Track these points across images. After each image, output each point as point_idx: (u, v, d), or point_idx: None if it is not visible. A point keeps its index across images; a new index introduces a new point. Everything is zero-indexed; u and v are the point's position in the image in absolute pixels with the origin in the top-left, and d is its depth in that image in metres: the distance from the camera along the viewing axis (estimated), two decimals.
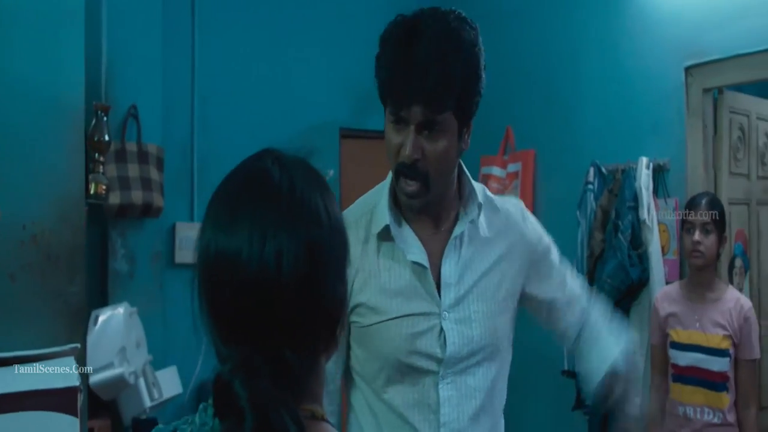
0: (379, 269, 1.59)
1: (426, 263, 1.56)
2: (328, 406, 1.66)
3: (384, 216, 1.58)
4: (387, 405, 1.60)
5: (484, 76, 1.52)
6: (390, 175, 1.60)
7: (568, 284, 1.78)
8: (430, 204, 1.57)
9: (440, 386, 1.57)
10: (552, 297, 1.75)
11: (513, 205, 1.73)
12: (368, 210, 1.64)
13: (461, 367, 1.58)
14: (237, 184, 0.92)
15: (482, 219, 1.63)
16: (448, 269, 1.58)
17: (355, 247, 1.58)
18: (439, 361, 1.57)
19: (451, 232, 1.60)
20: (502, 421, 1.72)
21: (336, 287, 0.92)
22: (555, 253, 1.78)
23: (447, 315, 1.57)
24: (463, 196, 1.62)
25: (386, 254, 1.60)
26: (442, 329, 1.56)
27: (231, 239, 0.87)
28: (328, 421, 0.94)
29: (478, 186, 1.66)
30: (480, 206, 1.60)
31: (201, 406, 0.95)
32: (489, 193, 1.70)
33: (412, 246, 1.57)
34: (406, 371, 1.57)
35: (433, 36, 1.42)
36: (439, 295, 1.58)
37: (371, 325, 1.59)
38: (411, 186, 1.50)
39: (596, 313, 1.82)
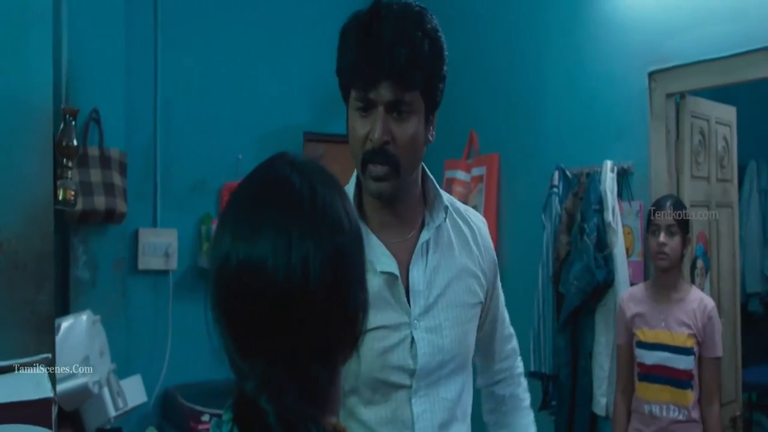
0: None
1: (396, 272, 1.51)
2: None
3: None
4: (359, 425, 1.54)
5: (446, 62, 1.50)
6: (352, 179, 1.57)
7: (506, 323, 1.82)
8: (396, 203, 1.54)
9: (413, 401, 1.52)
10: (493, 327, 1.76)
11: (481, 220, 1.72)
12: None
13: (433, 379, 1.54)
14: (256, 191, 0.90)
15: (448, 224, 1.60)
16: (416, 276, 1.54)
17: None
18: (411, 373, 1.52)
19: (417, 238, 1.56)
20: (469, 427, 1.69)
21: (358, 293, 0.91)
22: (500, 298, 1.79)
23: (417, 324, 1.52)
24: (428, 200, 1.59)
25: None
26: (413, 340, 1.52)
27: (254, 248, 0.84)
28: None
29: (442, 192, 1.63)
30: (446, 209, 1.58)
31: (214, 421, 0.92)
32: (454, 199, 1.69)
33: (380, 256, 1.51)
34: (378, 388, 1.51)
35: (397, 17, 1.41)
36: (409, 304, 1.53)
37: None
38: (380, 169, 1.45)
39: (521, 389, 1.85)
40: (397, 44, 1.38)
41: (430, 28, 1.44)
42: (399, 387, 1.52)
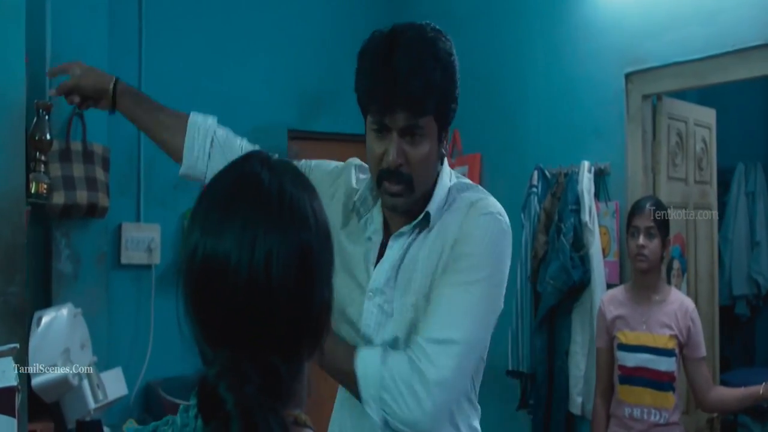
0: (347, 243, 1.68)
1: (376, 239, 1.63)
2: None
3: (358, 195, 1.67)
4: None
5: (458, 84, 1.58)
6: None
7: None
8: (409, 208, 1.61)
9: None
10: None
11: (481, 203, 1.60)
12: (355, 191, 1.71)
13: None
14: (226, 188, 0.92)
15: (440, 219, 1.61)
16: (387, 256, 1.61)
17: (335, 222, 1.67)
18: (357, 336, 1.61)
19: (411, 229, 1.60)
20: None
21: (323, 292, 0.93)
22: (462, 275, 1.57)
23: (371, 297, 1.60)
24: (431, 200, 1.61)
25: (352, 230, 1.69)
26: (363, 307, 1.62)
27: (220, 243, 0.87)
28: (311, 427, 0.94)
29: (455, 184, 1.64)
30: (427, 214, 1.59)
31: (182, 406, 0.95)
32: (471, 189, 1.65)
33: (374, 221, 1.65)
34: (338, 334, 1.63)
35: (412, 45, 1.48)
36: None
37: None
38: (395, 187, 1.54)
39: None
40: (411, 75, 1.45)
41: (443, 55, 1.52)
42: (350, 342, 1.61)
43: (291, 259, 0.87)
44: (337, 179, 1.78)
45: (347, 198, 1.72)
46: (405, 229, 1.61)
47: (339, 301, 1.62)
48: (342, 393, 1.74)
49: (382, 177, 1.54)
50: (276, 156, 0.98)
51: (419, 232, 1.61)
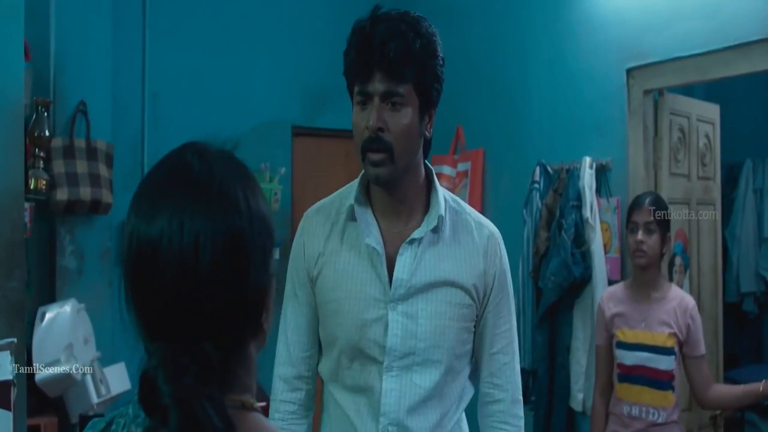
0: (341, 249, 1.70)
1: (380, 249, 1.64)
2: (306, 372, 1.77)
3: (351, 197, 1.69)
4: (339, 389, 1.71)
5: (442, 63, 1.63)
6: (362, 173, 1.71)
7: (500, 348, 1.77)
8: (396, 194, 1.66)
9: (384, 377, 1.64)
10: (481, 341, 1.76)
11: (491, 232, 1.76)
12: (340, 198, 1.75)
13: (407, 363, 1.64)
14: (158, 177, 0.94)
15: (447, 231, 1.68)
16: (401, 265, 1.64)
17: (323, 228, 1.72)
18: (384, 350, 1.63)
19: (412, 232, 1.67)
20: (461, 428, 1.76)
21: (259, 276, 0.93)
22: (506, 316, 1.77)
23: (395, 306, 1.63)
24: (430, 204, 1.69)
25: (350, 237, 1.70)
26: (388, 320, 1.63)
27: (151, 228, 0.88)
28: (258, 410, 0.95)
29: (449, 196, 1.73)
30: (440, 218, 1.66)
31: (134, 398, 0.95)
32: (467, 209, 1.76)
33: (371, 230, 1.66)
34: (356, 356, 1.66)
35: (392, 20, 1.57)
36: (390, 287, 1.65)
37: (328, 302, 1.69)
38: (376, 156, 1.58)
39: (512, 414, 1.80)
40: (388, 40, 1.53)
41: (424, 31, 1.59)
42: (373, 360, 1.65)
43: (219, 243, 0.87)
44: (302, 236, 1.77)
45: (326, 219, 1.74)
46: (417, 235, 1.65)
47: (354, 319, 1.65)
48: (331, 404, 1.76)
49: (365, 148, 1.59)
50: (220, 146, 0.98)
51: (429, 239, 1.66)
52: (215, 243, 0.87)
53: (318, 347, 1.78)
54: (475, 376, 1.80)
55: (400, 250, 1.65)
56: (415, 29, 1.56)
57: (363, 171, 1.68)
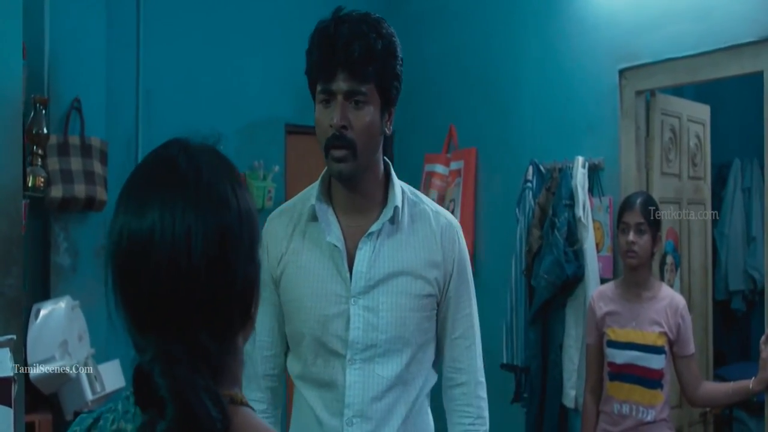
0: (302, 249, 1.74)
1: (341, 246, 1.70)
2: (271, 370, 1.82)
3: (313, 198, 1.74)
4: (305, 385, 1.76)
5: (401, 63, 1.69)
6: (325, 170, 1.77)
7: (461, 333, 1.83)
8: (358, 190, 1.71)
9: (347, 370, 1.69)
10: (443, 326, 1.82)
11: (449, 221, 1.81)
12: (302, 199, 1.80)
13: (369, 355, 1.69)
14: (145, 173, 0.95)
15: (405, 221, 1.74)
16: (360, 258, 1.70)
17: (286, 229, 1.76)
18: (346, 344, 1.69)
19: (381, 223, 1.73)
20: (426, 413, 1.81)
21: (247, 269, 0.95)
22: (468, 300, 1.83)
23: (356, 301, 1.69)
24: (388, 197, 1.75)
25: (311, 236, 1.75)
26: (350, 314, 1.69)
27: (142, 222, 0.89)
28: (248, 405, 0.96)
29: (407, 188, 1.80)
30: (396, 209, 1.72)
31: (123, 394, 0.97)
32: (426, 201, 1.82)
33: (332, 228, 1.72)
34: (319, 352, 1.71)
35: (354, 21, 1.62)
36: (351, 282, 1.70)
37: (291, 301, 1.74)
38: (339, 152, 1.63)
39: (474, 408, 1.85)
40: (352, 41, 1.59)
41: (385, 32, 1.65)
42: (336, 355, 1.70)
43: (210, 236, 0.89)
44: (265, 238, 1.81)
45: (288, 221, 1.79)
46: (374, 228, 1.70)
47: (317, 315, 1.70)
48: (299, 402, 1.80)
49: (329, 145, 1.64)
50: (202, 141, 1.00)
51: (387, 230, 1.72)
52: (206, 236, 0.89)
53: (284, 346, 1.83)
54: (437, 363, 1.84)
55: (359, 245, 1.71)
56: (377, 30, 1.63)
57: (324, 171, 1.76)
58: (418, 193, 1.83)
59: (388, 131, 1.72)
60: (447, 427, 1.86)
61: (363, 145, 1.64)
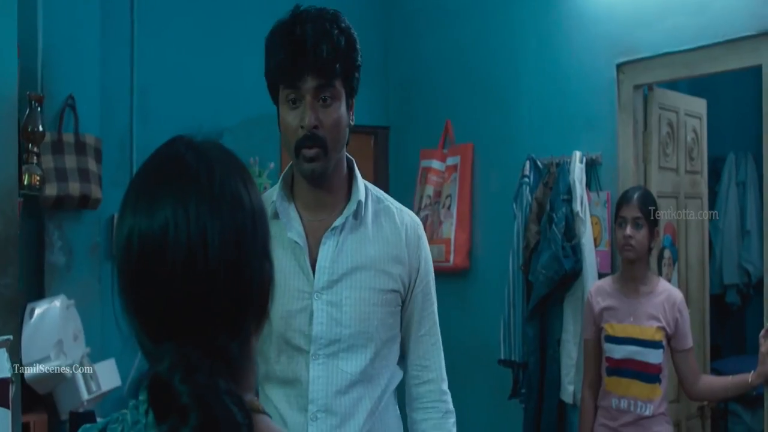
0: None
1: (302, 242, 1.71)
2: None
3: (274, 196, 1.74)
4: (270, 384, 1.76)
5: (360, 53, 1.72)
6: (287, 168, 1.79)
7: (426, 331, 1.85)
8: (323, 187, 1.73)
9: (311, 365, 1.69)
10: (409, 323, 1.83)
11: (413, 219, 1.83)
12: (265, 199, 1.78)
13: (332, 350, 1.69)
14: (152, 172, 0.91)
15: (369, 217, 1.76)
16: (323, 253, 1.71)
17: None
18: (309, 339, 1.69)
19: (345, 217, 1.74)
20: (393, 410, 1.81)
21: (263, 267, 0.93)
22: (431, 297, 1.85)
23: (319, 296, 1.69)
24: (351, 193, 1.76)
25: (274, 235, 1.73)
26: (313, 309, 1.69)
27: (154, 220, 0.85)
28: (266, 413, 0.93)
29: (371, 186, 1.82)
30: (360, 204, 1.73)
31: (131, 403, 0.93)
32: (387, 198, 1.84)
33: (293, 224, 1.72)
34: (283, 349, 1.71)
35: (315, 19, 1.64)
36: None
37: None
38: (311, 151, 1.64)
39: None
40: (319, 41, 1.61)
41: (344, 26, 1.68)
42: (299, 351, 1.70)
43: (227, 234, 0.86)
44: None
45: None
46: (338, 223, 1.71)
47: (280, 311, 1.69)
48: (265, 404, 1.78)
49: (299, 146, 1.65)
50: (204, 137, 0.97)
51: (350, 225, 1.73)
52: (223, 234, 0.86)
53: None
54: (402, 361, 1.85)
55: (323, 239, 1.71)
56: (338, 26, 1.65)
57: (287, 169, 1.78)
58: (382, 192, 1.85)
59: (352, 122, 1.74)
60: (408, 424, 1.86)
61: (333, 141, 1.66)
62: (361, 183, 1.77)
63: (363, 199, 1.74)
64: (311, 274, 1.70)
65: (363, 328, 1.70)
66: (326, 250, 1.71)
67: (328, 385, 1.69)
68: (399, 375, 1.83)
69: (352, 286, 1.70)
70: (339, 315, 1.69)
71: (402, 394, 1.86)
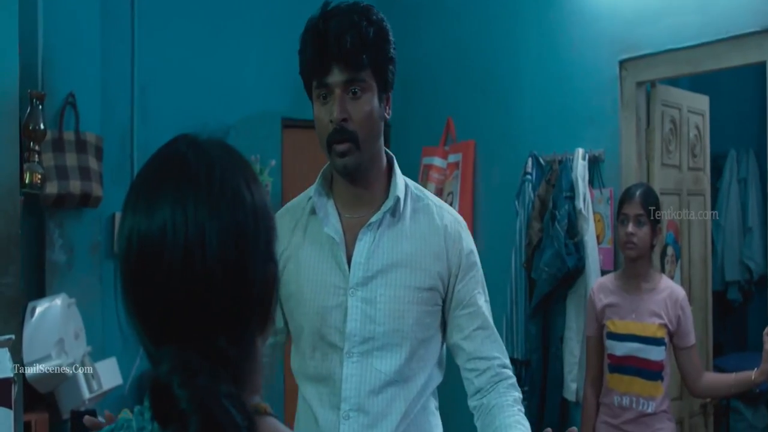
0: (303, 243, 1.73)
1: (338, 238, 1.69)
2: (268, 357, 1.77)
3: (311, 192, 1.74)
4: (304, 379, 1.74)
5: (395, 47, 1.68)
6: (327, 165, 1.75)
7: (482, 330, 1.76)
8: (360, 183, 1.69)
9: (344, 363, 1.66)
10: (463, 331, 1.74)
11: (454, 217, 1.78)
12: (306, 195, 1.79)
13: (366, 348, 1.66)
14: (153, 171, 0.90)
15: (407, 214, 1.72)
16: (359, 249, 1.68)
17: (288, 226, 1.75)
18: (344, 336, 1.66)
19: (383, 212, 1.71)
20: (431, 413, 1.75)
21: (266, 267, 0.91)
22: (480, 292, 1.77)
23: (354, 292, 1.67)
24: (390, 189, 1.73)
25: (311, 230, 1.74)
26: (348, 305, 1.67)
27: (152, 221, 0.84)
28: (273, 415, 0.91)
29: (411, 183, 1.78)
30: (398, 200, 1.70)
31: (137, 409, 0.92)
32: (429, 195, 1.79)
33: (330, 219, 1.71)
34: (318, 345, 1.69)
35: (343, 13, 1.61)
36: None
37: (291, 294, 1.72)
38: (342, 146, 1.62)
39: (510, 398, 1.74)
40: (344, 32, 1.58)
41: (375, 18, 1.63)
42: (333, 347, 1.68)
43: (225, 234, 0.84)
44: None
45: (291, 217, 1.78)
46: (374, 219, 1.69)
47: (316, 307, 1.68)
48: (300, 400, 1.78)
49: (330, 141, 1.62)
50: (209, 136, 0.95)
51: (387, 222, 1.70)
52: (221, 234, 0.84)
53: (281, 341, 1.84)
54: (442, 365, 1.79)
55: (359, 236, 1.69)
56: (367, 17, 1.61)
57: (325, 166, 1.75)
58: (424, 189, 1.81)
59: (387, 116, 1.71)
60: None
61: (365, 134, 1.63)
62: (400, 179, 1.73)
63: (402, 196, 1.71)
64: (347, 270, 1.68)
65: (397, 326, 1.66)
66: (362, 246, 1.68)
67: (361, 383, 1.65)
68: (438, 378, 1.77)
69: (387, 283, 1.67)
70: (373, 312, 1.66)
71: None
